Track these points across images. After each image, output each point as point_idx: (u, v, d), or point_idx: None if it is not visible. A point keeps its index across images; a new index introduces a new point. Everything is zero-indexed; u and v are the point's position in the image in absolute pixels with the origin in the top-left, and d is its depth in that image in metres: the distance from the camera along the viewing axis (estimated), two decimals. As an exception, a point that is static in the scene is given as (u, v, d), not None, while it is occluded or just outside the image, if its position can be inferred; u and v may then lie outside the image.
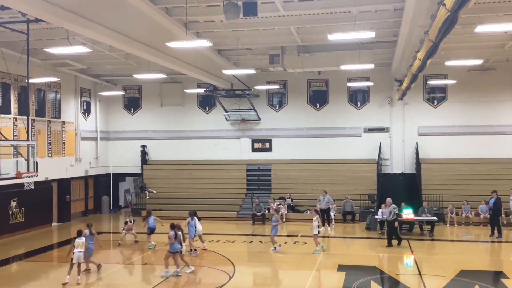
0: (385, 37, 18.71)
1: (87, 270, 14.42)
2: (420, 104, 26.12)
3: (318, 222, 17.14)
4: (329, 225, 21.92)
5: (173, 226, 14.34)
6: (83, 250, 13.46)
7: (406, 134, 26.16)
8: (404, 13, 14.04)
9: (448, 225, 22.28)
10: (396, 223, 18.12)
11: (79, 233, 13.77)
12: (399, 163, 26.30)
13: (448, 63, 19.75)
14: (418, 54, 14.15)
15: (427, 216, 20.35)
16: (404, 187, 25.07)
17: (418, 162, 25.29)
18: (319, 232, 17.30)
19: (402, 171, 26.19)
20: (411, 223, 20.54)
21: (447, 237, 20.52)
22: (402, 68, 21.00)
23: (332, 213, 23.28)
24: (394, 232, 18.15)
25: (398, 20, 15.83)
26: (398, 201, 21.49)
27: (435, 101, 26.07)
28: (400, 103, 25.90)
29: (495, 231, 19.44)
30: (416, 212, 20.52)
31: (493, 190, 19.81)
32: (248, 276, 14.81)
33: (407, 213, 20.09)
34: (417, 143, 25.81)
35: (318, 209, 19.50)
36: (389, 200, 18.58)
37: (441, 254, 17.78)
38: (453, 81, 24.72)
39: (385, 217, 20.11)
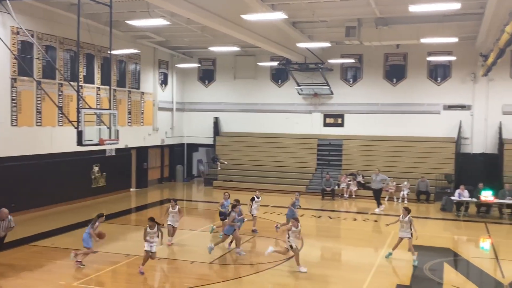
0: (471, 9, 17.60)
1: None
2: (506, 81, 24.48)
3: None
4: (377, 205, 20.66)
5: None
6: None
7: (489, 112, 24.71)
8: (494, -18, 13.10)
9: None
10: None
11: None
12: (480, 143, 24.99)
13: (540, 36, 18.27)
14: (507, 27, 13.24)
15: (509, 199, 19.30)
16: (484, 168, 23.87)
17: (501, 142, 23.89)
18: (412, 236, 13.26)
19: (483, 151, 24.88)
20: (489, 205, 19.61)
21: (529, 223, 19.41)
22: (488, 42, 19.72)
23: (405, 192, 22.75)
24: None
25: (486, -10, 14.82)
26: (476, 182, 20.57)
27: (524, 77, 24.35)
28: (484, 79, 24.43)
29: None
30: (496, 195, 19.51)
31: None
32: (317, 250, 14.87)
33: (486, 195, 19.18)
34: (500, 122, 24.33)
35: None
36: None
37: (522, 240, 16.88)
38: (545, 57, 22.93)
39: (462, 198, 19.41)
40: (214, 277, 11.88)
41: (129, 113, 24.99)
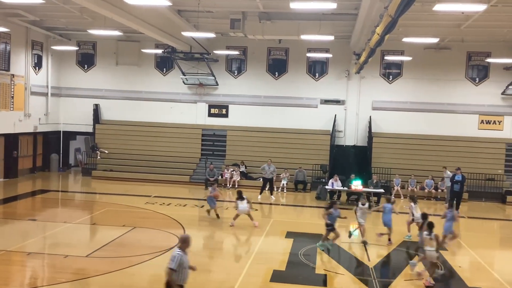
0: (346, 9, 18.76)
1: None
2: (376, 78, 26.59)
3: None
4: (271, 194, 22.13)
5: None
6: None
7: (360, 108, 26.66)
8: (366, -13, 14.07)
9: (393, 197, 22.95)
10: None
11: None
12: (352, 136, 26.86)
13: (405, 39, 20.10)
14: (377, 28, 14.29)
15: (375, 188, 20.95)
16: (355, 159, 25.67)
17: (370, 136, 25.90)
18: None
19: (354, 143, 26.78)
20: (359, 194, 21.15)
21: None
22: (361, 42, 21.18)
23: (284, 182, 23.70)
24: None
25: (360, -7, 15.85)
26: (348, 173, 22.07)
27: (391, 76, 26.59)
28: (357, 76, 26.26)
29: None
30: (365, 184, 21.11)
31: (458, 167, 20.79)
32: (198, 240, 14.91)
33: (356, 184, 20.65)
34: (370, 117, 26.36)
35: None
36: None
37: (386, 225, 18.42)
38: (409, 58, 25.21)
39: (335, 187, 20.61)
40: (90, 271, 11.40)
41: (-3, 97, 22.90)
